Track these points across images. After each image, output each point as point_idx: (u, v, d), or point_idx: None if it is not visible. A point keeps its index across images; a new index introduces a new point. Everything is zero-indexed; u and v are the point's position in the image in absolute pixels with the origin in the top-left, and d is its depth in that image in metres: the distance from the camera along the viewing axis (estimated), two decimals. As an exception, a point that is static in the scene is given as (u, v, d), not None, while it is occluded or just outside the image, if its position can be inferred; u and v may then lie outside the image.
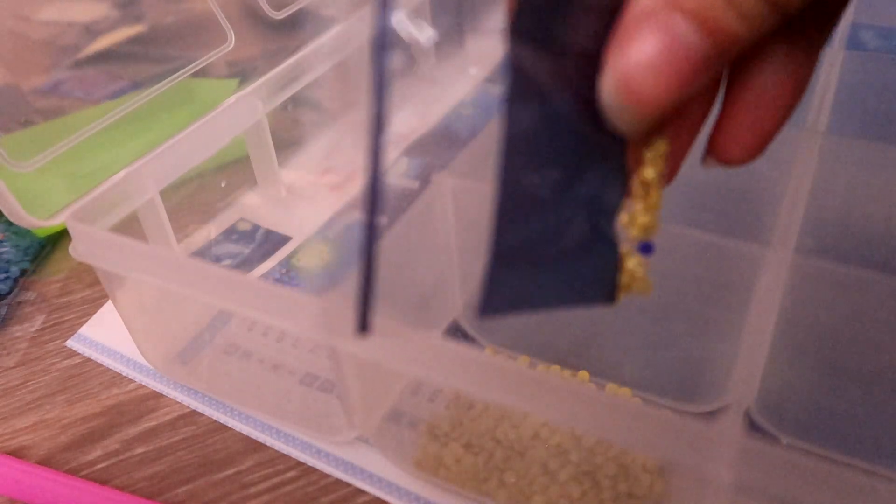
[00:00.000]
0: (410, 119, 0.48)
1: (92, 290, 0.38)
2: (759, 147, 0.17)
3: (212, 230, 0.40)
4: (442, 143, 0.46)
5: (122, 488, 0.29)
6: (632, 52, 0.15)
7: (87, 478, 0.29)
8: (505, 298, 0.17)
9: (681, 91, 0.15)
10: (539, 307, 0.18)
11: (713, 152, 0.18)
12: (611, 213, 0.17)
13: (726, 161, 0.18)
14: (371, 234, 0.16)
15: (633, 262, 0.18)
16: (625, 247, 0.18)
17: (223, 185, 0.43)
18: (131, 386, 0.33)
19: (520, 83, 0.15)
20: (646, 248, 0.18)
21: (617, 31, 0.15)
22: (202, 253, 0.39)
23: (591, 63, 0.16)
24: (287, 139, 0.46)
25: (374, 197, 0.15)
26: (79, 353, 0.35)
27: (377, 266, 0.16)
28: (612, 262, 0.18)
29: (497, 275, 0.17)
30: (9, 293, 0.38)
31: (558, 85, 0.16)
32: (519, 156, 0.16)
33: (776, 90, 0.17)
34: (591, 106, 0.16)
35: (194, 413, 0.31)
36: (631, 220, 0.18)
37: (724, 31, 0.15)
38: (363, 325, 0.17)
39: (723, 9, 0.14)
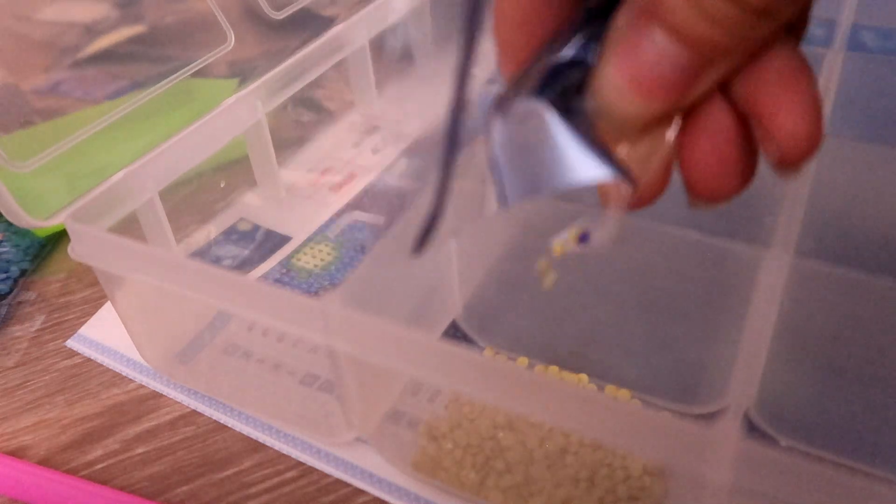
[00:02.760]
0: (410, 119, 0.48)
1: (92, 290, 0.38)
2: (729, 176, 0.17)
3: (211, 230, 0.40)
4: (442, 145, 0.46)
5: (122, 488, 0.29)
6: (617, 64, 0.15)
7: (87, 478, 0.29)
8: (516, 182, 0.17)
9: (668, 100, 0.15)
10: (549, 188, 0.17)
11: (690, 191, 0.17)
12: None
13: (707, 196, 0.17)
14: (451, 151, 0.16)
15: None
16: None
17: (223, 185, 0.43)
18: (131, 386, 0.33)
19: None
20: (584, 238, 0.18)
21: (605, 43, 0.16)
22: (202, 253, 0.39)
23: None
24: (287, 139, 0.46)
25: (457, 114, 0.15)
26: (79, 353, 0.35)
27: (451, 187, 0.16)
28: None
29: (506, 158, 0.17)
30: (9, 293, 0.38)
31: None
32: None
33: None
34: None
35: (194, 413, 0.31)
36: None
37: (702, 41, 0.15)
38: (420, 245, 0.17)
39: (695, 18, 0.14)
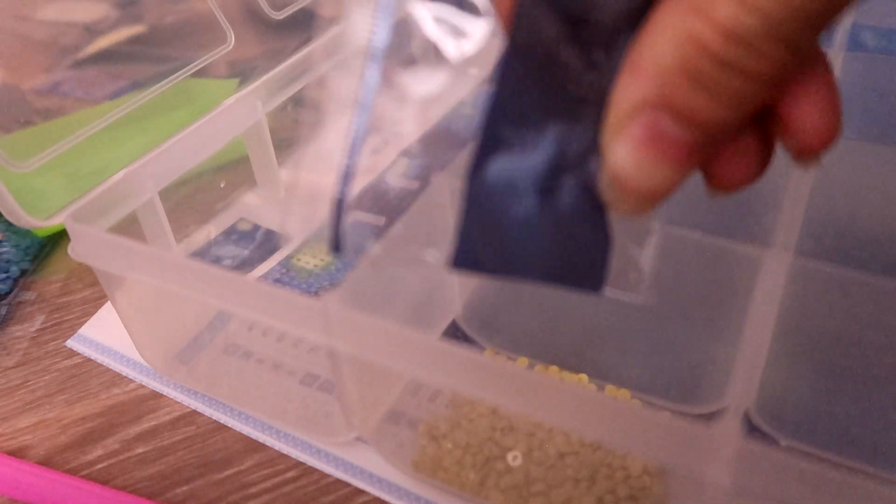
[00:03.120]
0: (411, 119, 0.48)
1: (92, 290, 0.38)
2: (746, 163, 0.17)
3: (211, 230, 0.40)
4: (442, 143, 0.46)
5: (122, 488, 0.29)
6: (619, 152, 0.15)
7: (87, 478, 0.29)
8: (479, 253, 0.17)
9: (681, 177, 0.15)
10: (516, 274, 0.17)
11: (708, 181, 0.17)
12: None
13: (725, 186, 0.17)
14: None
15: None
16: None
17: (223, 185, 0.43)
18: (131, 386, 0.33)
19: (522, 38, 0.15)
20: None
21: (607, 125, 0.15)
22: (202, 253, 0.39)
23: (595, 31, 0.15)
24: (287, 139, 0.46)
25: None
26: (79, 353, 0.35)
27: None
28: (603, 242, 0.17)
29: (472, 224, 0.16)
30: (9, 293, 0.38)
31: (558, 46, 0.16)
32: (504, 112, 0.16)
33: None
34: (589, 73, 0.16)
35: (194, 413, 0.31)
36: None
37: (707, 120, 0.15)
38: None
39: (701, 99, 0.14)
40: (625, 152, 0.15)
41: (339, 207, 0.18)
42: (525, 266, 0.17)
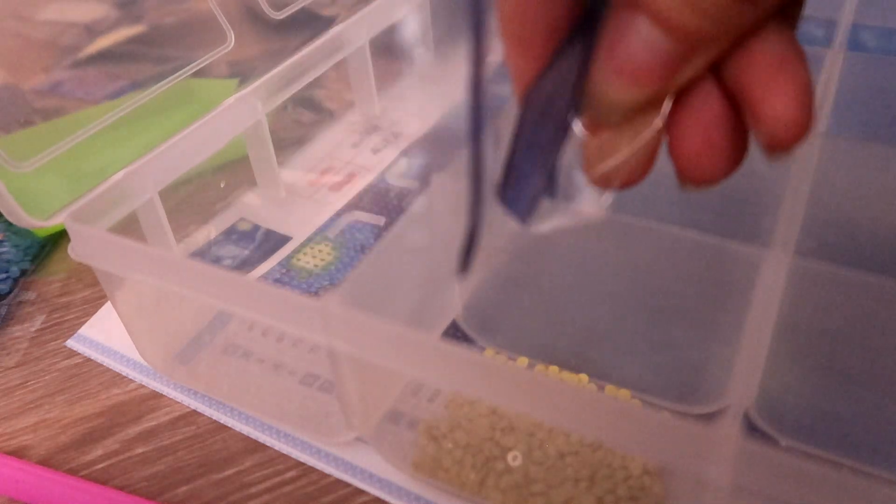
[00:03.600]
0: (410, 119, 0.48)
1: (92, 290, 0.38)
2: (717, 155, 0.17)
3: (211, 230, 0.40)
4: (442, 143, 0.46)
5: (122, 488, 0.29)
6: (603, 53, 0.16)
7: (87, 478, 0.29)
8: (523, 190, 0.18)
9: (655, 86, 0.16)
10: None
11: (679, 174, 0.17)
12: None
13: (695, 179, 0.17)
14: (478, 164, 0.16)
15: None
16: None
17: (223, 185, 0.43)
18: (131, 386, 0.33)
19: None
20: None
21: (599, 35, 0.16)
22: (202, 253, 0.39)
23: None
24: (287, 139, 0.46)
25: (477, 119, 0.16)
26: (79, 353, 0.35)
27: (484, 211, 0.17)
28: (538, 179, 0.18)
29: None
30: (9, 293, 0.38)
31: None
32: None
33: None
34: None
35: (194, 413, 0.31)
36: None
37: (688, 30, 0.15)
38: (464, 264, 0.18)
39: (679, 6, 0.14)
40: (605, 50, 0.16)
41: (472, 240, 0.18)
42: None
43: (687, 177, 0.17)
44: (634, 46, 0.15)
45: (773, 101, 0.16)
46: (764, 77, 0.16)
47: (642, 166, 0.18)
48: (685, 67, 0.16)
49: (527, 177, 0.17)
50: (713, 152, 0.17)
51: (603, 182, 0.18)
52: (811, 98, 0.16)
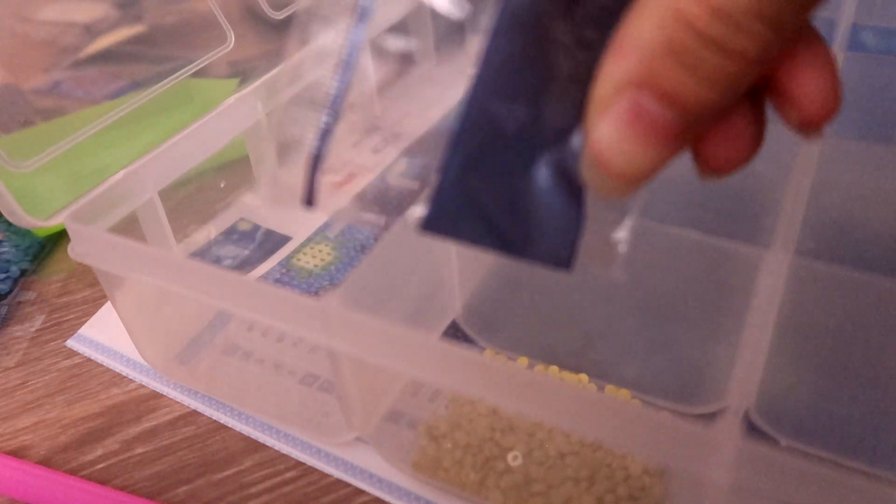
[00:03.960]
0: (410, 119, 0.48)
1: (92, 290, 0.38)
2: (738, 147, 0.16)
3: (212, 230, 0.40)
4: (442, 143, 0.46)
5: (122, 488, 0.29)
6: (602, 131, 0.15)
7: (87, 478, 0.29)
8: (452, 218, 0.17)
9: (664, 159, 0.15)
10: (487, 244, 0.17)
11: (700, 164, 0.17)
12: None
13: (717, 168, 0.17)
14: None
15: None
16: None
17: (223, 185, 0.43)
18: (131, 386, 0.33)
19: (511, 15, 0.15)
20: None
21: (591, 104, 0.15)
22: (202, 253, 0.39)
23: (589, 8, 0.16)
24: (287, 139, 0.46)
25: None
26: (79, 353, 0.35)
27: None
28: (576, 221, 0.17)
29: (449, 189, 0.17)
30: (9, 293, 0.38)
31: (551, 20, 0.16)
32: (492, 82, 0.16)
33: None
34: (580, 51, 0.16)
35: (194, 413, 0.31)
36: None
37: (691, 101, 0.14)
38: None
39: (685, 79, 0.14)
40: (607, 131, 0.15)
41: (315, 162, 0.18)
42: (497, 236, 0.17)
43: (707, 167, 0.17)
44: (643, 122, 0.15)
45: (802, 81, 0.15)
46: (791, 57, 0.15)
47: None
48: (688, 137, 0.15)
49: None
50: (734, 139, 0.16)
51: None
52: (837, 75, 0.16)
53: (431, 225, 0.17)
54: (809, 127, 0.16)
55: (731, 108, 0.16)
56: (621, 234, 0.18)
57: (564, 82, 0.16)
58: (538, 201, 0.17)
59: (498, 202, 0.17)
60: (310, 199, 0.19)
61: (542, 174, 0.17)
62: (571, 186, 0.17)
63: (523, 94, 0.16)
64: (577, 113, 0.16)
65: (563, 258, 0.17)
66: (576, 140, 0.16)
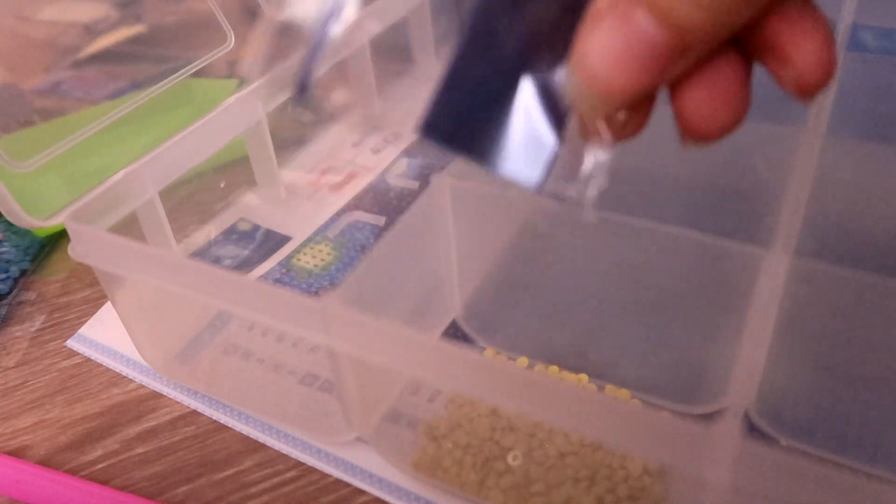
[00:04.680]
0: (410, 119, 0.48)
1: (92, 290, 0.38)
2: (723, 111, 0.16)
3: (212, 230, 0.40)
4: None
5: (122, 488, 0.29)
6: (595, 43, 0.15)
7: (87, 478, 0.29)
8: (448, 126, 0.17)
9: (648, 82, 0.15)
10: (472, 154, 0.18)
11: (683, 129, 0.17)
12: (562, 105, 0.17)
13: (700, 134, 0.17)
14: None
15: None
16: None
17: (223, 185, 0.43)
18: (131, 386, 0.33)
19: None
20: None
21: (584, 21, 0.16)
22: (202, 253, 0.39)
23: None
24: (287, 139, 0.46)
25: None
26: (79, 353, 0.35)
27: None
28: (552, 147, 0.17)
29: (448, 98, 0.17)
30: (9, 293, 0.38)
31: None
32: (497, 2, 0.17)
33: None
34: None
35: (194, 413, 0.31)
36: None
37: (686, 25, 0.14)
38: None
39: (680, 2, 0.14)
40: (598, 42, 0.15)
41: (316, 48, 0.18)
42: (482, 148, 0.18)
43: (689, 131, 0.17)
44: (631, 40, 0.15)
45: (799, 42, 0.16)
46: (787, 22, 0.16)
47: (640, 121, 0.17)
48: (683, 61, 0.15)
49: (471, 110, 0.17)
50: (716, 104, 0.16)
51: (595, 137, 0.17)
52: (833, 41, 0.16)
53: (430, 130, 0.17)
54: (805, 87, 0.16)
55: (717, 56, 0.16)
56: (595, 171, 0.18)
57: (560, 10, 0.17)
58: (521, 121, 0.17)
59: (487, 116, 0.17)
60: (303, 87, 0.19)
61: (530, 95, 0.17)
62: (555, 113, 0.17)
63: (523, 15, 0.17)
64: (570, 41, 0.17)
65: (532, 179, 0.18)
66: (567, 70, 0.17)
